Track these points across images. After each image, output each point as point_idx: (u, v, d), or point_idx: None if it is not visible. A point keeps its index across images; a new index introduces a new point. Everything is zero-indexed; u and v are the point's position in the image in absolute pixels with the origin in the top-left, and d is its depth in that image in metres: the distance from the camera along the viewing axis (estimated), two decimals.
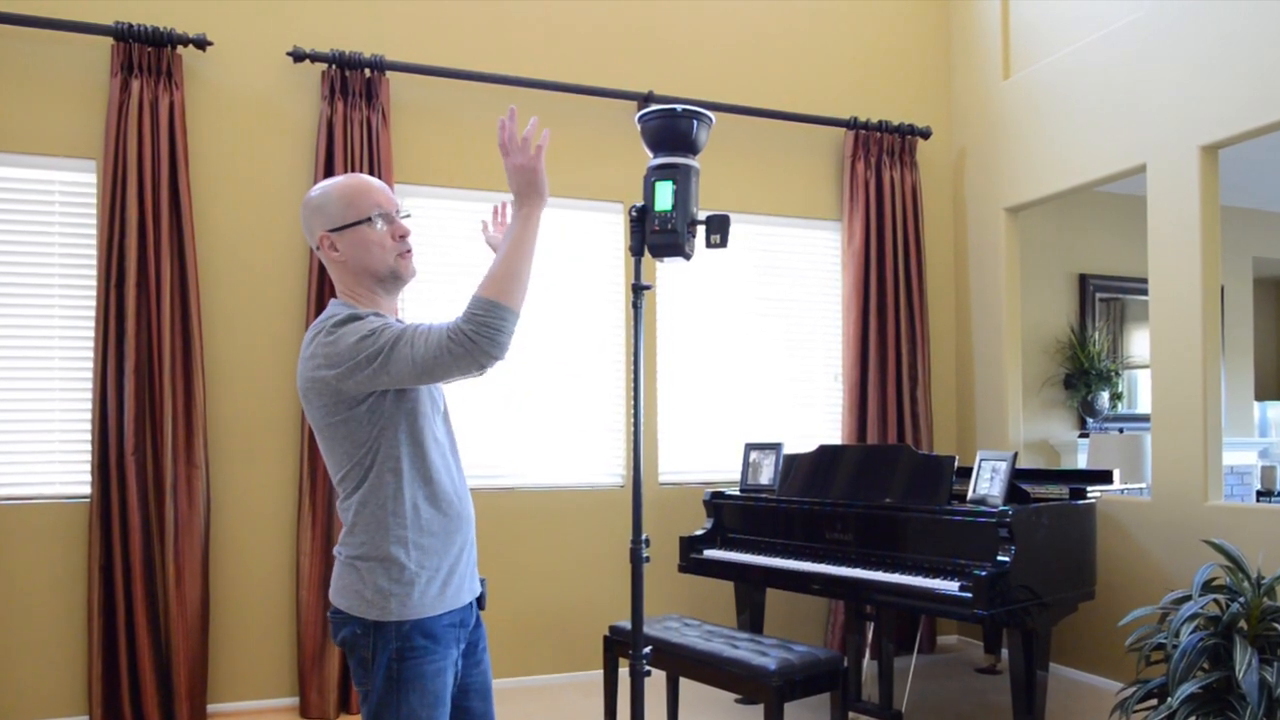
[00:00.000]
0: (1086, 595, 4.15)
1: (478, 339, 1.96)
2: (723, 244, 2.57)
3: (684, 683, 5.01)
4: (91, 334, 4.43)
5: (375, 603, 2.11)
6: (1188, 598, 3.62)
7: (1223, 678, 3.36)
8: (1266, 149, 6.04)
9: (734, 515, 4.90)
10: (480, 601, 2.40)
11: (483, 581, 2.42)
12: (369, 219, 2.14)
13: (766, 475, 4.92)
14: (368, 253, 2.15)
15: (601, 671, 4.37)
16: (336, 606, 2.17)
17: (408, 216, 2.26)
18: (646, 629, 4.09)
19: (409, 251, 2.20)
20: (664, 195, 2.54)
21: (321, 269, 4.66)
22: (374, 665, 2.12)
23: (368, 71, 4.76)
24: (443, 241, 5.03)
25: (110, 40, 4.41)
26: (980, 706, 4.76)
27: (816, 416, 5.81)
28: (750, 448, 5.07)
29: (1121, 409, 7.45)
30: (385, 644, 2.11)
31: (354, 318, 2.07)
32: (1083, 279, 7.36)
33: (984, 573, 3.63)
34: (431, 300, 4.98)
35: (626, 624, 4.20)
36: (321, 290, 4.65)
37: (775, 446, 4.96)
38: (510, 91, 5.12)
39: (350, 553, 2.15)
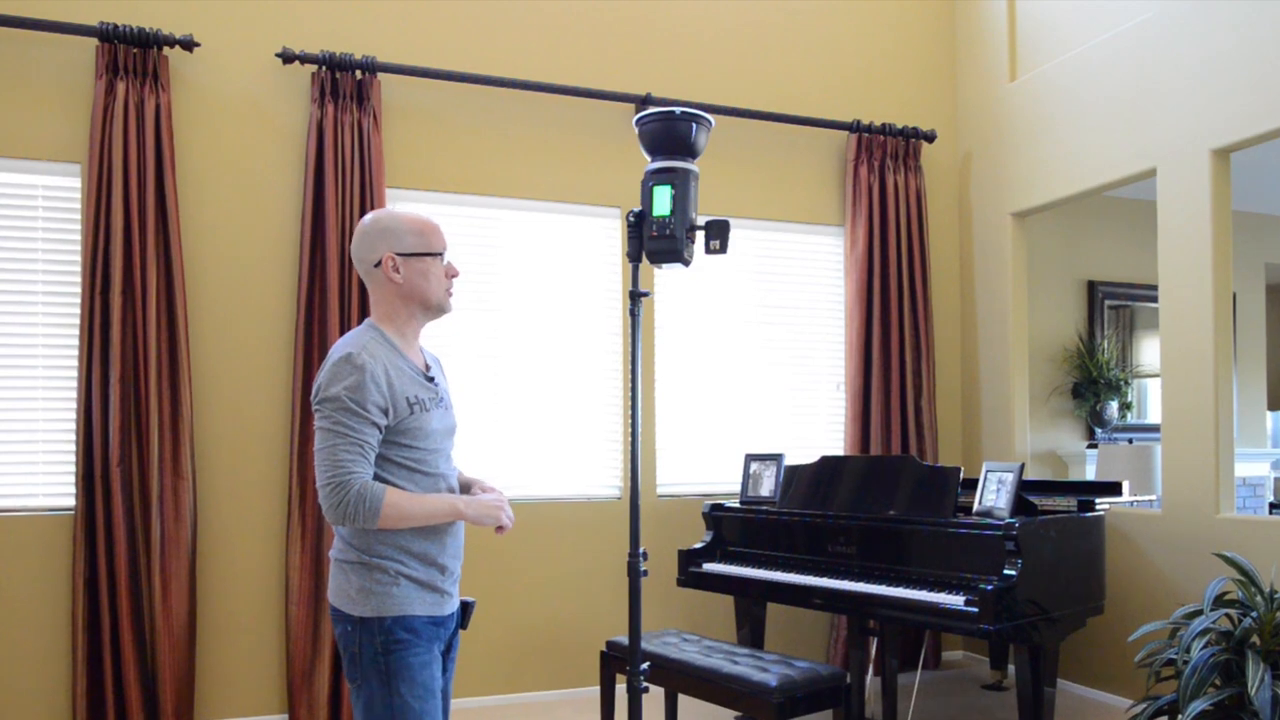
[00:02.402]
0: (1095, 610, 4.16)
1: (331, 515, 2.32)
2: (722, 250, 2.59)
3: (683, 699, 5.01)
4: (76, 342, 4.43)
5: (359, 601, 2.39)
6: (1199, 612, 3.63)
7: (1235, 694, 3.37)
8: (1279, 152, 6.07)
9: (734, 528, 4.91)
10: (464, 621, 2.65)
11: (471, 603, 2.68)
12: (439, 254, 2.49)
13: (767, 487, 4.92)
14: (427, 283, 2.48)
15: (598, 688, 4.38)
16: (332, 605, 2.47)
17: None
18: (644, 644, 4.09)
19: (451, 290, 2.56)
20: (662, 200, 2.55)
21: (311, 276, 4.66)
22: (362, 659, 2.38)
23: (359, 73, 4.77)
24: None
25: (95, 41, 4.42)
26: None
27: (818, 426, 5.82)
28: (750, 459, 5.07)
29: (1131, 419, 7.46)
30: (370, 638, 2.37)
31: (347, 364, 2.34)
32: (1091, 286, 7.38)
33: (990, 587, 3.64)
34: None
35: (624, 639, 4.20)
36: (311, 298, 4.66)
37: (776, 457, 4.97)
38: (505, 94, 5.13)
39: (338, 555, 2.46)
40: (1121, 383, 7.26)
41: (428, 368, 2.56)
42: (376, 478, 2.38)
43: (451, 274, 2.53)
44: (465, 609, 2.68)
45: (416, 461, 2.43)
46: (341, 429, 2.31)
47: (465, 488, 2.67)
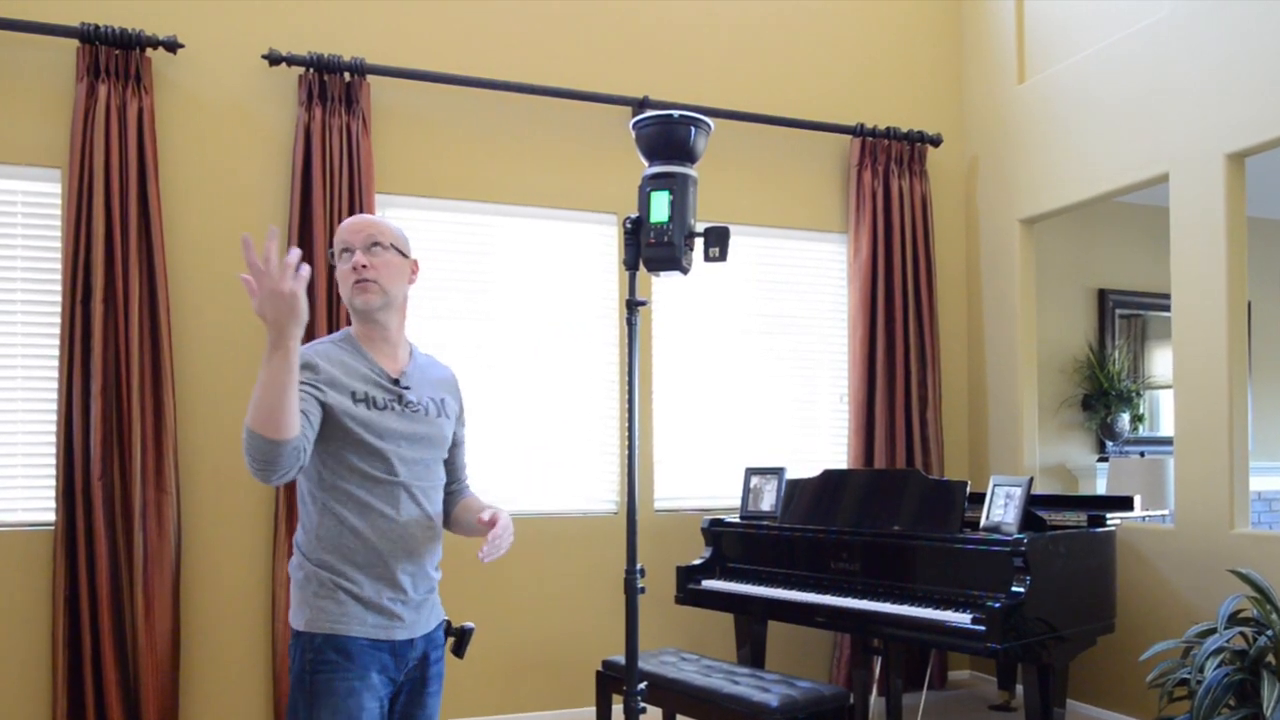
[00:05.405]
0: (1106, 628, 4.16)
1: (247, 465, 2.16)
2: (722, 257, 2.59)
3: None
4: (56, 352, 4.43)
5: (297, 612, 2.37)
6: (1213, 631, 3.64)
7: (1250, 715, 3.38)
8: None
9: (734, 544, 4.91)
10: (459, 649, 2.57)
11: (468, 630, 2.58)
12: (341, 252, 2.46)
13: (768, 501, 4.93)
14: (340, 287, 2.48)
15: (594, 709, 4.38)
16: None
17: (371, 246, 2.45)
18: (642, 663, 4.10)
19: (360, 283, 2.43)
20: (660, 206, 2.56)
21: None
22: (292, 673, 2.35)
23: (347, 75, 4.79)
24: (427, 254, 5.05)
25: (76, 42, 4.43)
26: None
27: (821, 439, 5.82)
28: (751, 472, 5.08)
29: (1143, 431, 7.47)
30: (301, 654, 2.33)
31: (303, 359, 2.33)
32: (1102, 294, 7.39)
33: (998, 604, 3.64)
34: (416, 317, 4.99)
35: (620, 658, 4.20)
36: None
37: (777, 471, 4.97)
38: (498, 96, 5.15)
39: (291, 562, 2.44)
40: (1133, 394, 7.27)
41: (402, 374, 2.50)
42: (329, 485, 2.34)
43: (351, 265, 2.42)
44: (461, 636, 2.57)
45: (371, 464, 2.35)
46: None
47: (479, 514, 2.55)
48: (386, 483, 2.38)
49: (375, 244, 2.45)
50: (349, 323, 4.60)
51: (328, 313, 4.68)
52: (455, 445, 2.69)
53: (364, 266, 2.41)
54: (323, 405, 2.31)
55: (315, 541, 2.35)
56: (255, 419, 2.07)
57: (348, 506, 2.35)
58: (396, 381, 2.47)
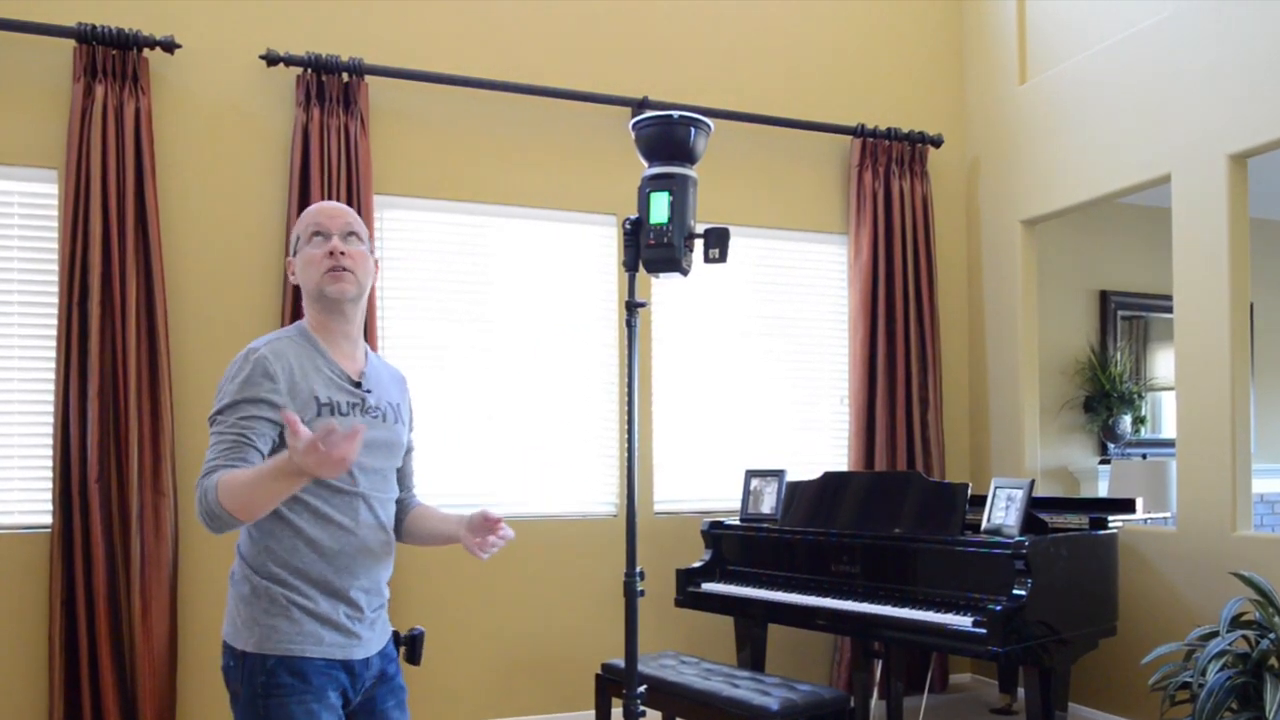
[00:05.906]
0: (1107, 631, 4.16)
1: (200, 515, 2.13)
2: (722, 259, 2.59)
3: None
4: (52, 355, 4.44)
5: (243, 632, 2.23)
6: (1215, 634, 3.64)
7: (1252, 718, 3.37)
8: None
9: (734, 546, 4.91)
10: (414, 655, 2.47)
11: (419, 634, 2.49)
12: (302, 238, 2.36)
13: (768, 504, 4.93)
14: (304, 272, 2.36)
15: (594, 712, 4.38)
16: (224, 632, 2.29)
17: (348, 235, 2.37)
18: (641, 667, 4.09)
19: (335, 270, 2.32)
20: (660, 207, 2.55)
21: (296, 286, 4.67)
22: (241, 700, 2.20)
23: (345, 76, 4.79)
24: (425, 256, 5.05)
25: (72, 43, 4.43)
26: None
27: (821, 441, 5.82)
28: (751, 475, 5.08)
29: (1145, 433, 7.47)
30: (251, 677, 2.19)
31: (241, 358, 2.26)
32: (1104, 296, 7.39)
33: (999, 607, 3.64)
34: (414, 319, 4.99)
35: (620, 661, 4.20)
36: (297, 309, 4.65)
37: (778, 474, 4.97)
38: (496, 97, 5.15)
39: (232, 572, 2.31)
40: (1135, 396, 7.27)
41: (362, 375, 2.39)
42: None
43: (327, 250, 2.32)
44: (412, 643, 2.48)
45: None
46: (217, 432, 2.21)
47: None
48: (346, 493, 2.27)
49: (352, 234, 2.37)
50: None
51: None
52: (407, 452, 2.55)
53: (343, 254, 2.32)
54: (280, 429, 2.23)
55: (265, 553, 2.23)
56: (233, 505, 2.06)
57: (304, 517, 2.23)
58: (359, 385, 2.37)
